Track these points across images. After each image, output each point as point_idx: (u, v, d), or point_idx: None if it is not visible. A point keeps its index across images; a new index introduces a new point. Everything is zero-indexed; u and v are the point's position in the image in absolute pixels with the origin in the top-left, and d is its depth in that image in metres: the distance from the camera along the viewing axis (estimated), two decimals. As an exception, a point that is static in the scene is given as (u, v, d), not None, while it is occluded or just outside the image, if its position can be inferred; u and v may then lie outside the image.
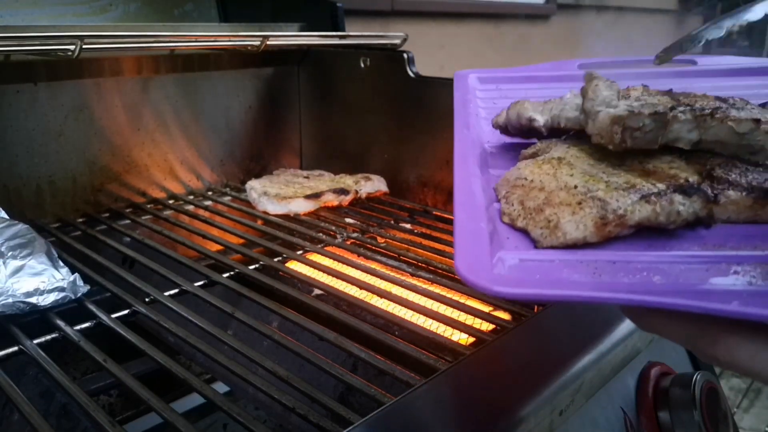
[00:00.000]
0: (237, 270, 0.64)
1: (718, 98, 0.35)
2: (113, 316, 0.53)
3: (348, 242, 0.72)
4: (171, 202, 0.87)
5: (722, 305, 0.22)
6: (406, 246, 0.71)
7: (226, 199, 0.88)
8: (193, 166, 0.91)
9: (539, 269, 0.27)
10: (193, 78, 0.89)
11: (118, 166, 0.83)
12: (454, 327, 0.53)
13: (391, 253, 0.69)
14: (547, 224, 0.29)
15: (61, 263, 0.56)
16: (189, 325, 0.52)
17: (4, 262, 0.53)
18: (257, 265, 0.65)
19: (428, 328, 0.53)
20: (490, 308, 0.57)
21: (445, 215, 0.80)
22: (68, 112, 0.77)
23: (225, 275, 0.62)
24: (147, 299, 0.56)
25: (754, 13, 0.40)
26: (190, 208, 0.85)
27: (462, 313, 0.55)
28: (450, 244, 0.71)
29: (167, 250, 0.67)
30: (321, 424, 0.40)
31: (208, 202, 0.86)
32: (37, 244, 0.56)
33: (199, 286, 0.59)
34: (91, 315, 0.53)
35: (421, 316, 0.55)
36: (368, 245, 0.71)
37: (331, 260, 0.67)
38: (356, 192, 0.84)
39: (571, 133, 0.40)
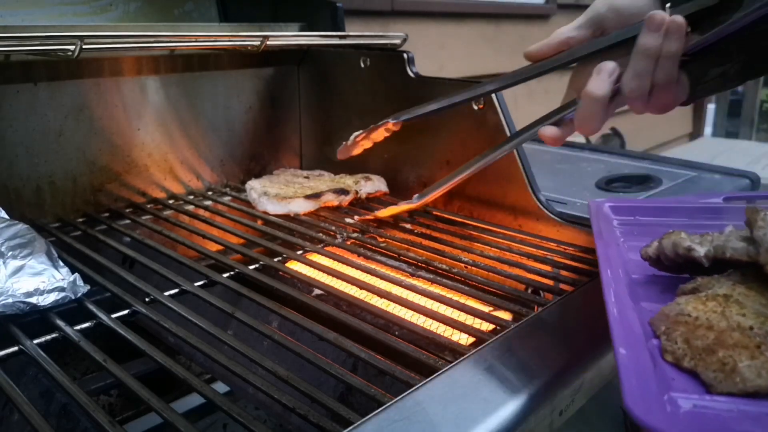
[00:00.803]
0: (237, 270, 0.64)
1: None
2: (113, 316, 0.53)
3: (348, 242, 0.73)
4: (171, 202, 0.87)
5: None
6: (406, 246, 0.71)
7: (226, 199, 0.88)
8: (193, 166, 0.91)
9: (718, 419, 0.25)
10: (193, 78, 0.89)
11: (118, 166, 0.83)
12: (454, 327, 0.53)
13: (391, 253, 0.69)
14: (722, 367, 0.28)
15: (61, 263, 0.56)
16: (189, 325, 0.52)
17: (4, 262, 0.53)
18: (257, 265, 0.65)
19: (428, 328, 0.53)
20: (490, 308, 0.57)
21: (445, 215, 0.80)
22: (68, 112, 0.77)
23: (225, 275, 0.62)
24: (147, 299, 0.56)
25: None
26: (190, 208, 0.85)
27: (462, 313, 0.55)
28: (450, 244, 0.71)
29: (167, 250, 0.67)
30: (321, 424, 0.40)
31: (208, 202, 0.86)
32: (37, 244, 0.56)
33: (199, 286, 0.59)
34: (91, 315, 0.53)
35: (421, 316, 0.55)
36: (368, 245, 0.71)
37: (331, 260, 0.67)
38: (356, 192, 0.84)
39: (733, 269, 0.38)
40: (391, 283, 0.62)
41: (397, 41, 0.89)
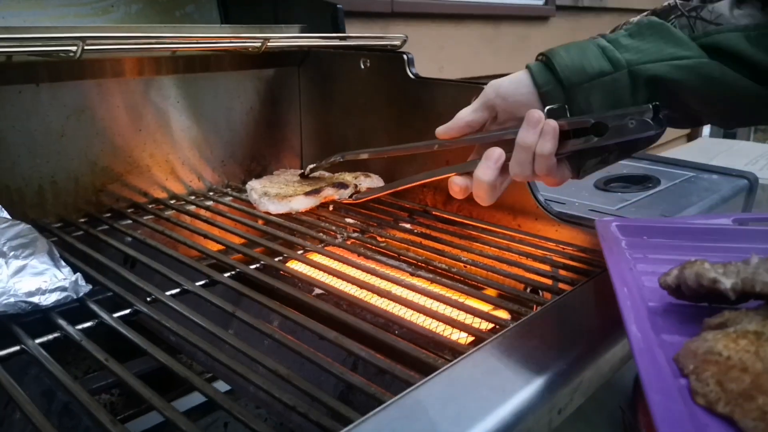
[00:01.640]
0: (238, 269, 0.64)
1: None
2: (115, 315, 0.53)
3: (348, 242, 0.73)
4: (172, 202, 0.87)
5: None
6: (405, 246, 0.71)
7: (228, 199, 0.88)
8: (194, 167, 0.92)
9: None
10: (194, 79, 0.89)
11: (119, 166, 0.84)
12: (453, 326, 0.53)
13: (391, 253, 0.69)
14: (762, 416, 0.27)
15: (63, 263, 0.56)
16: (190, 324, 0.52)
17: (6, 262, 0.53)
18: (258, 265, 0.65)
19: (428, 327, 0.53)
20: (490, 307, 0.57)
21: (444, 215, 0.80)
22: (70, 113, 0.78)
23: (226, 275, 0.62)
24: (148, 299, 0.57)
25: None
26: (192, 208, 0.85)
27: (461, 313, 0.55)
28: (449, 243, 0.71)
29: (169, 250, 0.68)
30: (321, 423, 0.40)
31: (210, 202, 0.87)
32: (39, 244, 0.56)
33: (200, 285, 0.60)
34: (93, 314, 0.53)
35: (421, 315, 0.56)
36: (368, 245, 0.72)
37: (332, 260, 0.68)
38: (356, 186, 0.85)
39: (763, 302, 0.37)
40: (391, 282, 0.62)
41: (397, 42, 0.89)
